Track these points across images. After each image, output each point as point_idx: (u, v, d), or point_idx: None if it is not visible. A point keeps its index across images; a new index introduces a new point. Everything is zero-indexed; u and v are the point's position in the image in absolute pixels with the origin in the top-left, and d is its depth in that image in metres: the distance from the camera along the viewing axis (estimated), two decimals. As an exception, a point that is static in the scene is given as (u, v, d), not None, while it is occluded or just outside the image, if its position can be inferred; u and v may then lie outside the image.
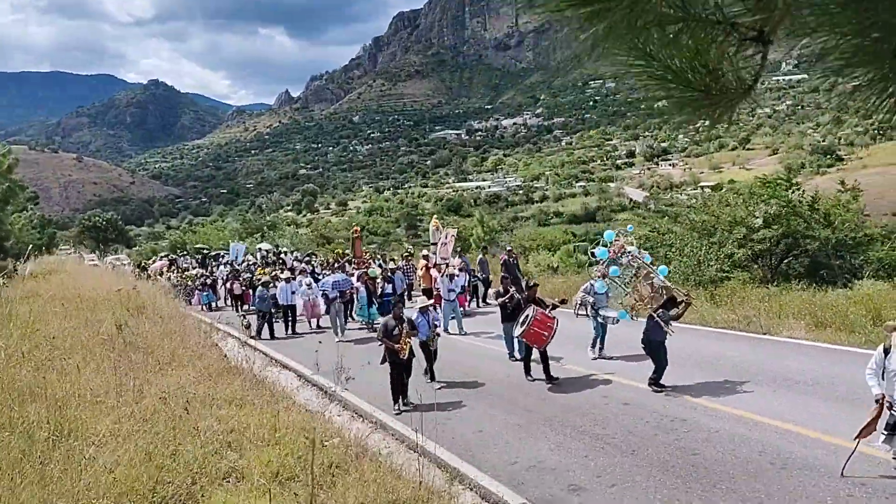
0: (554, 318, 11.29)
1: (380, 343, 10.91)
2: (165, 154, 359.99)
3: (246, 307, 23.93)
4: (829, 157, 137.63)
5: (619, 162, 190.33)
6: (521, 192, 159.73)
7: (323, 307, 19.13)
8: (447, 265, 17.94)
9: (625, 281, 11.41)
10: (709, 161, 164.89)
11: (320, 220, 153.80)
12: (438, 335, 11.69)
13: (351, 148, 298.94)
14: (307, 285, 19.43)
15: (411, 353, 10.74)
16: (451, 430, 9.11)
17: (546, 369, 11.31)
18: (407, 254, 25.90)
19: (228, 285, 25.81)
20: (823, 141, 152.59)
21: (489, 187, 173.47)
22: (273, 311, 19.06)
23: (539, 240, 38.99)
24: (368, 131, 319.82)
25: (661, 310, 10.27)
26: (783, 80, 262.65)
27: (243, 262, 31.54)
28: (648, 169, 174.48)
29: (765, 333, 13.30)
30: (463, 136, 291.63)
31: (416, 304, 12.15)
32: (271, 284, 19.61)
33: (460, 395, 11.01)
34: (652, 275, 11.08)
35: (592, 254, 12.25)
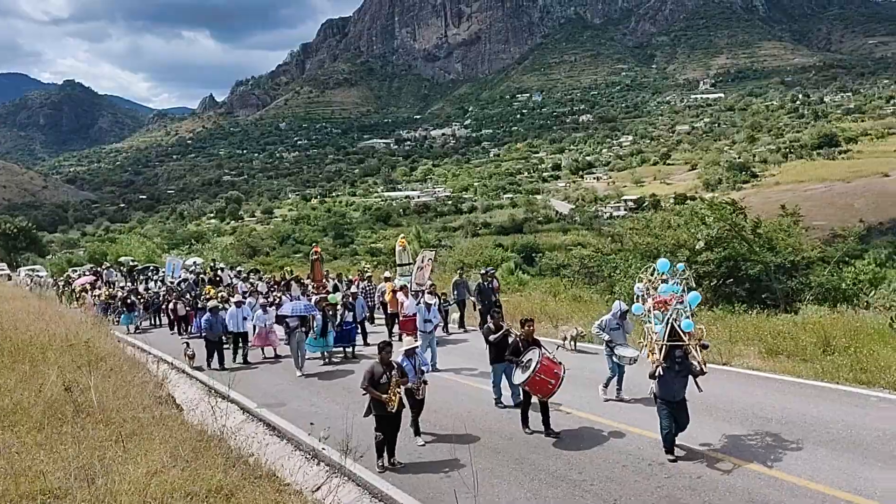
0: (561, 363, 10.08)
1: (364, 392, 9.43)
2: (81, 157, 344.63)
3: (189, 330, 22.16)
4: (744, 173, 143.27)
5: (545, 174, 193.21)
6: (449, 202, 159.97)
7: (280, 335, 17.50)
8: (423, 292, 16.23)
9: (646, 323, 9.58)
10: (631, 175, 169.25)
11: (245, 227, 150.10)
12: (426, 383, 10.18)
13: (277, 155, 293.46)
14: (263, 309, 17.86)
15: (401, 405, 9.42)
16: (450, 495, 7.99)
17: (546, 421, 10.08)
18: (364, 273, 24.57)
19: (172, 305, 23.73)
20: (739, 158, 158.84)
21: (418, 197, 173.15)
22: (223, 338, 17.29)
23: (478, 255, 38.71)
24: (295, 138, 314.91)
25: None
26: (701, 98, 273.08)
27: (179, 278, 30.01)
28: (574, 182, 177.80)
29: (724, 364, 13.26)
30: (392, 145, 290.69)
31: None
32: (221, 309, 17.83)
33: (453, 451, 9.48)
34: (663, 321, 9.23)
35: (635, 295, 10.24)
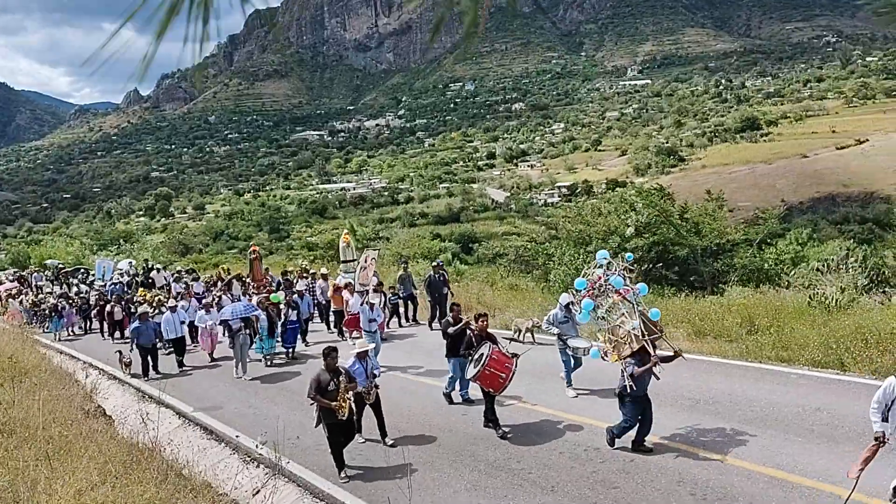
0: (512, 356, 9.84)
1: (311, 402, 9.08)
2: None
3: (123, 335, 21.23)
4: (672, 157, 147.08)
5: (480, 163, 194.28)
6: (386, 193, 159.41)
7: (223, 338, 17.01)
8: (367, 292, 16.11)
9: (598, 317, 9.35)
10: (564, 162, 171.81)
11: (176, 225, 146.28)
12: (377, 387, 9.91)
13: (207, 149, 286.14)
14: (205, 309, 17.35)
15: (351, 412, 9.14)
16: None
17: (491, 412, 9.92)
18: (303, 270, 24.18)
19: (109, 308, 22.66)
20: (667, 143, 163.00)
21: (354, 189, 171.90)
22: (157, 343, 16.58)
23: (414, 247, 38.71)
24: (226, 132, 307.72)
25: (630, 358, 8.74)
26: (629, 84, 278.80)
27: (111, 281, 28.93)
28: (509, 170, 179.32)
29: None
30: (325, 137, 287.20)
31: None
32: (154, 314, 17.26)
33: (417, 455, 9.29)
34: (629, 317, 8.97)
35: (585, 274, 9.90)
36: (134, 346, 16.15)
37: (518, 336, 15.20)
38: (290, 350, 16.97)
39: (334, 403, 8.82)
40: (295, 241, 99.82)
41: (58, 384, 11.47)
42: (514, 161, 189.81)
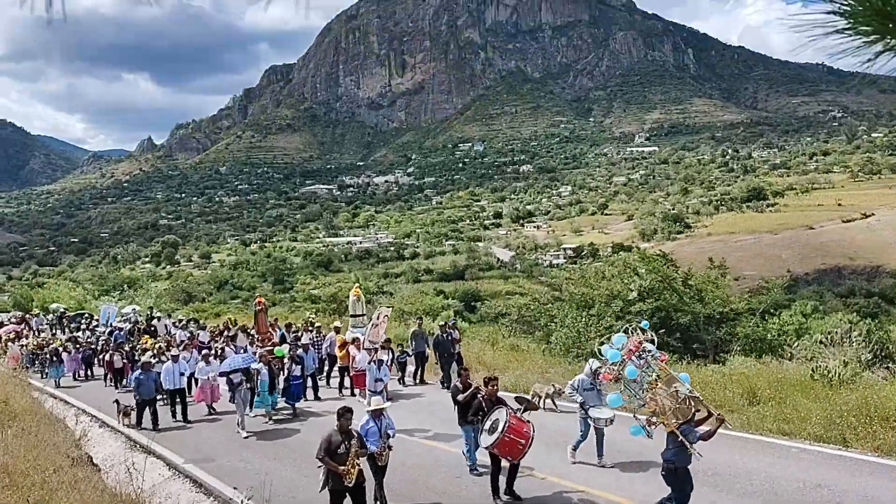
0: (529, 422, 9.45)
1: (319, 465, 8.59)
2: (10, 199, 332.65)
3: (124, 384, 20.84)
4: (678, 224, 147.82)
5: (486, 222, 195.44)
6: (392, 248, 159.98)
7: (224, 391, 16.39)
8: (376, 350, 15.54)
9: (641, 387, 8.76)
10: (570, 224, 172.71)
11: (181, 272, 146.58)
12: (391, 448, 9.35)
13: (217, 199, 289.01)
14: (205, 360, 16.89)
15: (360, 478, 8.52)
16: None
17: (511, 483, 9.43)
18: (309, 323, 23.85)
19: (108, 357, 22.26)
20: (673, 209, 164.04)
21: (360, 243, 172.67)
22: (158, 395, 15.99)
23: (417, 304, 38.63)
24: (236, 182, 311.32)
25: (685, 426, 8.14)
26: (636, 151, 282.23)
27: (111, 328, 28.64)
28: (515, 230, 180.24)
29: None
30: (334, 191, 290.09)
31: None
32: (154, 364, 16.64)
33: None
34: (675, 382, 8.59)
35: (599, 353, 9.55)
36: (134, 397, 15.65)
37: (539, 402, 14.39)
38: (294, 406, 16.33)
39: (342, 468, 8.34)
40: (298, 293, 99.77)
41: (47, 430, 11.30)
42: (521, 221, 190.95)
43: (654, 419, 8.51)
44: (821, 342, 18.80)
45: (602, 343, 9.60)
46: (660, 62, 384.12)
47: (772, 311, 25.40)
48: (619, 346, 9.12)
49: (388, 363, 16.24)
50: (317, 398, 17.64)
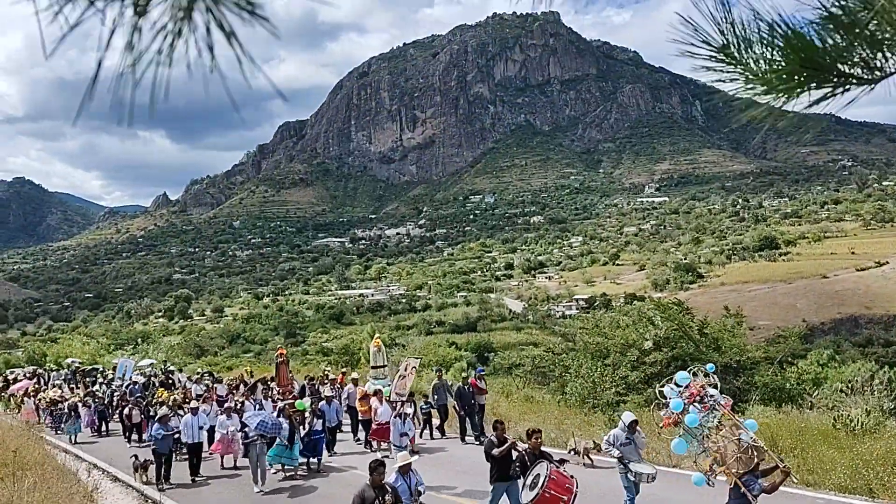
0: (572, 477, 9.13)
1: None
2: (27, 255, 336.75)
3: (141, 439, 20.46)
4: (690, 273, 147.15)
5: (498, 274, 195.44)
6: (403, 300, 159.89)
7: (240, 447, 16.15)
8: (402, 403, 15.03)
9: (703, 434, 8.31)
10: (582, 275, 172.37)
11: (194, 326, 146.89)
12: None
13: (230, 253, 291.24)
14: (226, 414, 16.50)
15: None
16: None
17: None
18: (324, 376, 23.54)
19: (126, 411, 21.85)
20: (685, 259, 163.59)
21: (372, 295, 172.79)
22: (174, 449, 15.59)
23: (430, 355, 38.45)
24: (249, 236, 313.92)
25: (748, 476, 7.73)
26: (647, 201, 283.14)
27: (128, 382, 28.51)
28: (526, 281, 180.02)
29: (674, 466, 13.23)
30: (346, 244, 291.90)
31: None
32: (172, 417, 16.09)
33: None
34: (739, 429, 8.16)
35: (662, 395, 9.01)
36: (152, 451, 15.29)
37: (580, 456, 14.12)
38: (317, 461, 15.83)
39: None
40: (310, 346, 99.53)
41: (59, 482, 11.20)
42: (532, 272, 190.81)
43: (715, 468, 8.10)
44: (841, 391, 18.53)
45: (663, 385, 9.11)
46: (668, 114, 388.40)
47: (789, 359, 25.10)
48: (683, 384, 8.71)
49: (412, 416, 15.73)
50: (331, 452, 17.23)
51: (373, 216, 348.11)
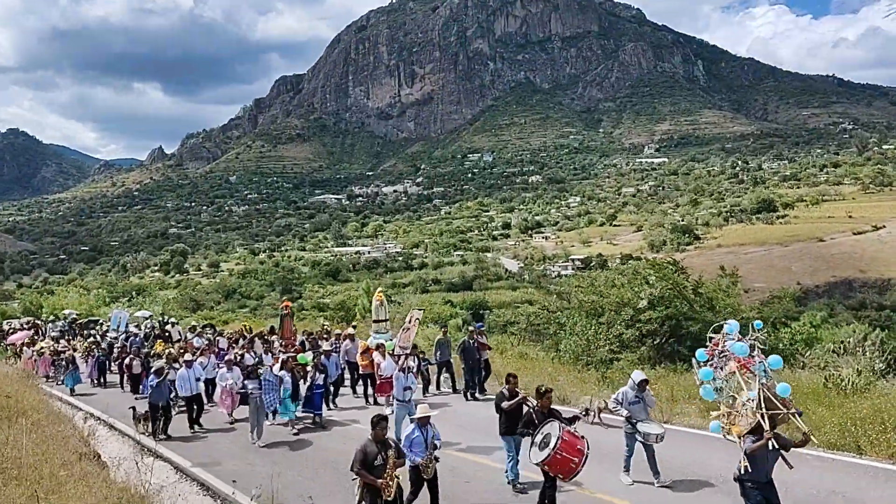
0: (583, 438, 8.83)
1: (353, 478, 8.04)
2: (22, 207, 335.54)
3: (140, 391, 20.23)
4: (687, 235, 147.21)
5: (495, 233, 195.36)
6: (400, 258, 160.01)
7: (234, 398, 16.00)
8: (406, 356, 14.54)
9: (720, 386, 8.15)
10: (579, 235, 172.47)
11: (190, 281, 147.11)
12: (437, 459, 8.84)
13: (226, 208, 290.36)
14: (227, 367, 16.25)
15: (399, 490, 8.05)
16: None
17: (553, 499, 8.86)
18: (324, 330, 22.97)
19: (126, 362, 21.67)
20: (682, 220, 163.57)
21: (368, 252, 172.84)
22: (172, 401, 15.48)
23: (427, 313, 38.52)
24: (245, 192, 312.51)
25: (748, 435, 7.63)
26: (646, 162, 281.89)
27: (124, 333, 28.37)
28: (523, 241, 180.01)
29: (665, 422, 13.33)
30: (343, 201, 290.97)
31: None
32: (168, 370, 15.77)
33: None
34: (743, 388, 7.88)
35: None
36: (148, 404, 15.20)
37: (592, 416, 13.90)
38: (318, 416, 15.73)
39: (380, 481, 7.77)
40: (306, 300, 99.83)
41: (54, 426, 11.28)
42: (529, 232, 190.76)
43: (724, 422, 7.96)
44: (833, 352, 18.63)
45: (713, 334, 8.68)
46: (669, 73, 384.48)
47: (783, 321, 25.21)
48: (732, 335, 8.34)
49: (415, 371, 15.37)
50: (332, 405, 17.22)
51: (370, 173, 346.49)
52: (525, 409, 9.53)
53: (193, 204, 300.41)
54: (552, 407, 9.31)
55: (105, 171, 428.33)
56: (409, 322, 16.35)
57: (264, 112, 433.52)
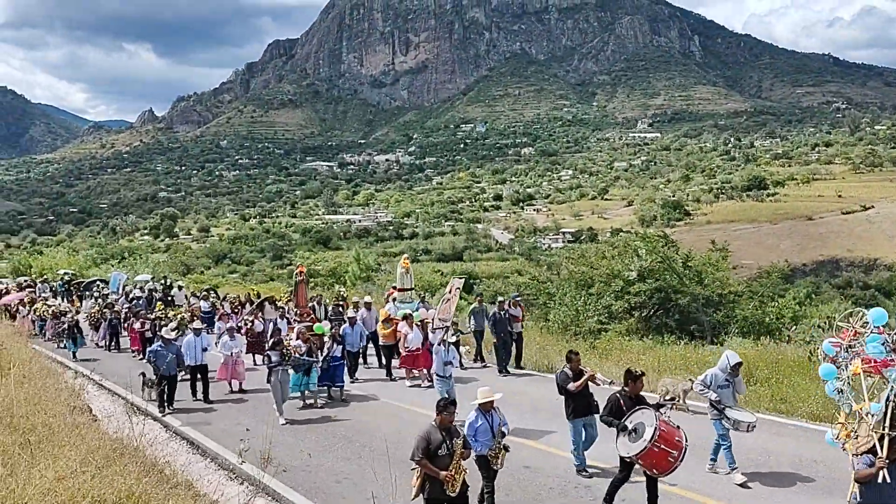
0: (678, 428, 7.83)
1: (413, 467, 7.13)
2: (10, 166, 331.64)
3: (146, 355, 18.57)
4: (677, 211, 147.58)
5: (486, 204, 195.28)
6: (391, 227, 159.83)
7: (249, 365, 15.14)
8: (446, 328, 13.46)
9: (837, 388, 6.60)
10: (570, 208, 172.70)
11: (180, 245, 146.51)
12: (507, 448, 7.86)
13: (217, 173, 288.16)
14: (229, 334, 15.32)
15: (465, 486, 7.08)
16: None
17: (655, 500, 7.94)
18: (338, 296, 22.68)
19: (138, 325, 20.40)
20: (673, 196, 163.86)
21: (359, 221, 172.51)
22: (178, 371, 14.20)
23: (416, 281, 38.56)
24: (236, 157, 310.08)
25: (866, 454, 5.97)
26: (639, 137, 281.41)
27: (134, 297, 27.40)
28: (514, 213, 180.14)
29: (651, 391, 13.48)
30: (335, 168, 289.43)
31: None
32: (177, 336, 14.82)
33: None
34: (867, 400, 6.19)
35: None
36: (154, 372, 14.32)
37: (677, 401, 12.24)
38: (338, 389, 14.69)
39: (444, 473, 6.85)
40: (296, 267, 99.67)
41: (45, 379, 11.28)
42: (521, 204, 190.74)
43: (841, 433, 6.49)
44: (819, 327, 18.83)
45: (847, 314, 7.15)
46: (665, 48, 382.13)
47: (770, 296, 25.44)
48: (881, 324, 6.59)
49: (457, 344, 14.30)
50: (354, 379, 16.10)
51: (362, 141, 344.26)
52: (616, 397, 8.34)
53: (183, 168, 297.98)
54: (641, 393, 8.35)
55: (94, 132, 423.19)
56: (450, 292, 15.19)
57: (256, 76, 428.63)
